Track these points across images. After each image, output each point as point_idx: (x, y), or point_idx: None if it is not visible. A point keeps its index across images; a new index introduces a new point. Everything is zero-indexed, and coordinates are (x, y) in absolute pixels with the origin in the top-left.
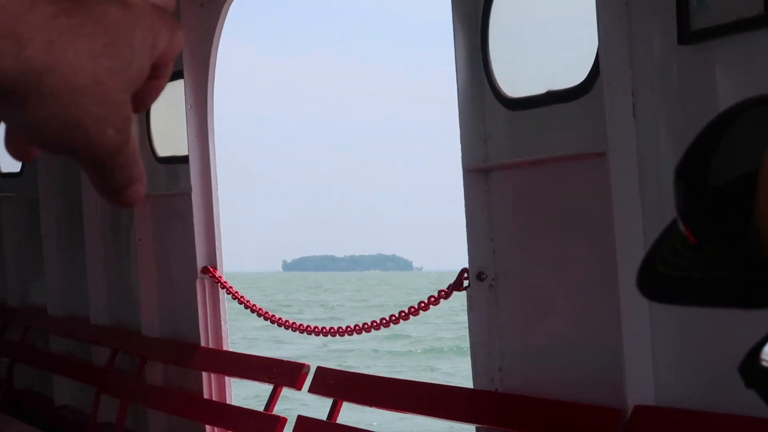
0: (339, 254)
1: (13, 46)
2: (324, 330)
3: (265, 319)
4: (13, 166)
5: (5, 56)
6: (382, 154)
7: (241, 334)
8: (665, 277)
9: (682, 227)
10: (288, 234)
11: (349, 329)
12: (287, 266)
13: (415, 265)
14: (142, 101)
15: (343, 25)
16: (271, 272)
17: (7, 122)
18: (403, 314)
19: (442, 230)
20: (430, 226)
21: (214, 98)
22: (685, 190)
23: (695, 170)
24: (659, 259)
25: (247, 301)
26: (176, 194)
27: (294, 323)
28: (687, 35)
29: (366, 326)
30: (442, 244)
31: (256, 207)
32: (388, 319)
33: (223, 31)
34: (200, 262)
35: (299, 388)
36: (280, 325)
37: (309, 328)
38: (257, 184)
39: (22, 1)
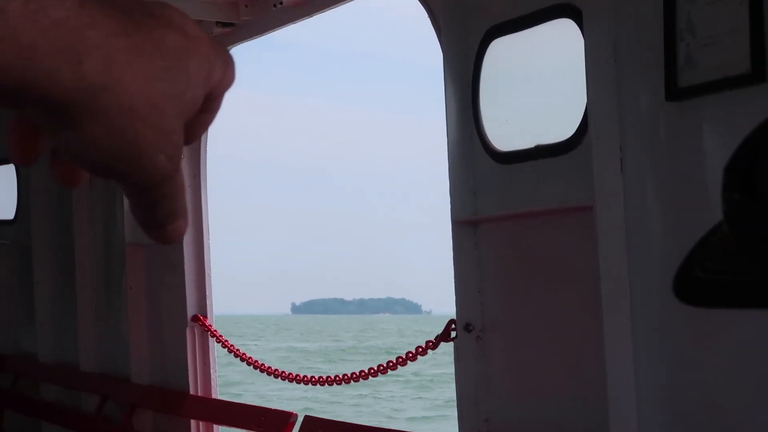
0: (348, 297)
1: (71, 60)
2: (312, 379)
3: (255, 367)
4: (7, 213)
5: (62, 71)
6: (389, 197)
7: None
8: (706, 283)
9: (727, 229)
10: (297, 277)
11: (338, 378)
12: (296, 309)
13: (424, 308)
14: (191, 133)
15: (341, 70)
16: (280, 315)
17: (56, 143)
18: (391, 364)
19: (450, 274)
20: (439, 269)
21: (208, 145)
22: (731, 192)
23: (743, 174)
24: (698, 266)
25: (237, 349)
26: None
27: (282, 372)
28: (674, 92)
29: (355, 376)
30: (451, 287)
31: (266, 249)
32: (376, 369)
33: None
34: (190, 311)
35: None
36: (270, 373)
37: (297, 377)
38: (268, 226)
39: (83, 16)
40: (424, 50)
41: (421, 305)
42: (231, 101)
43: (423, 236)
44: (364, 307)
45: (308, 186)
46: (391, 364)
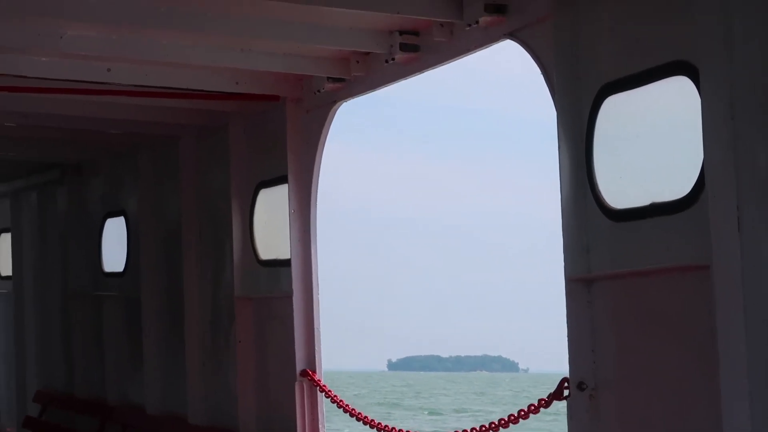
0: (444, 354)
1: None
2: None
3: (365, 423)
4: (117, 266)
5: None
6: (484, 252)
7: None
8: None
9: None
10: (393, 333)
11: None
12: (392, 366)
13: (521, 366)
14: None
15: (445, 125)
16: (376, 371)
17: None
18: (503, 422)
19: (548, 332)
20: (536, 327)
21: (318, 202)
22: None
23: None
24: None
25: (346, 405)
26: (277, 297)
27: (393, 428)
28: None
29: None
30: (549, 345)
31: (363, 307)
32: (487, 426)
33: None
34: (299, 365)
35: None
36: (379, 430)
37: None
38: (363, 283)
39: None
40: (520, 104)
41: (518, 363)
42: (335, 159)
43: (520, 293)
44: (460, 364)
45: (404, 240)
46: (503, 422)
